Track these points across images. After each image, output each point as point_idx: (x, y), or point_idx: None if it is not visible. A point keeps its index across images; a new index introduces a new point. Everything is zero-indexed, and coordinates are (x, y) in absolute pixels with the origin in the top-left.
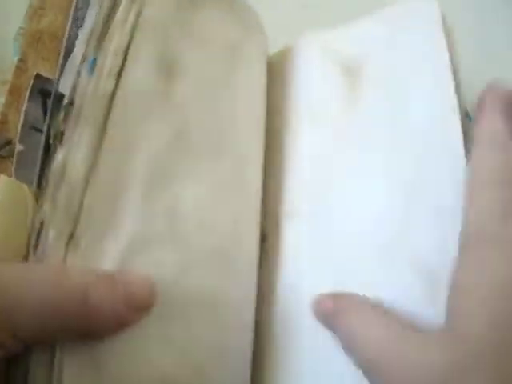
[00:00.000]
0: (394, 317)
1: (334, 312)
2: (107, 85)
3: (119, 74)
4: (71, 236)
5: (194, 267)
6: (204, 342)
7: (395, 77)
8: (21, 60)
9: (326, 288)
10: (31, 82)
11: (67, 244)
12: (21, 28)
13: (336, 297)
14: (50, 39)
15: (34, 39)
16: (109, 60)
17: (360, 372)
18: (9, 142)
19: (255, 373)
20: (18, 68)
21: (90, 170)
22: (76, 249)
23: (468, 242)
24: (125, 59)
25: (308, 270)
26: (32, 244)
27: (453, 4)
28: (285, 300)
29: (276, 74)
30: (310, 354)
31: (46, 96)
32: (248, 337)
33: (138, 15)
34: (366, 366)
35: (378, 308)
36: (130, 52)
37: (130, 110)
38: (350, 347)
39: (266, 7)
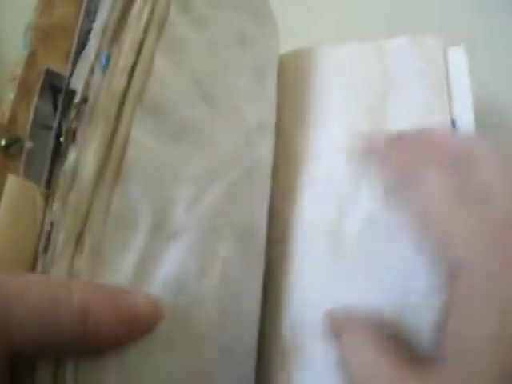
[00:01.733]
0: (394, 346)
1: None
2: (120, 82)
3: (132, 71)
4: (79, 239)
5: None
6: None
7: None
8: (31, 54)
9: None
10: (41, 77)
11: (75, 247)
12: (30, 21)
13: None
14: (60, 33)
15: (44, 33)
16: (122, 56)
17: None
18: (18, 140)
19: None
20: (27, 62)
21: (101, 170)
22: (83, 252)
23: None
24: (138, 55)
25: None
26: (42, 245)
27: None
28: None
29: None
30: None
31: (57, 92)
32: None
33: (153, 11)
34: None
35: (381, 338)
36: (144, 49)
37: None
38: (344, 372)
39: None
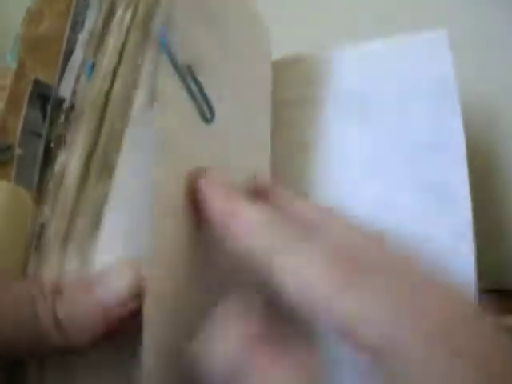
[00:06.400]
0: None
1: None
2: (103, 85)
3: (114, 75)
4: (66, 237)
5: None
6: None
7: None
8: (19, 66)
9: None
10: (30, 87)
11: (62, 244)
12: (18, 34)
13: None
14: (48, 44)
15: (32, 45)
16: (105, 61)
17: None
18: (9, 147)
19: None
20: (16, 74)
21: (85, 171)
22: (70, 248)
23: None
24: (120, 59)
25: None
26: (33, 245)
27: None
28: None
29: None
30: None
31: (45, 101)
32: None
33: (134, 17)
34: None
35: None
36: (125, 53)
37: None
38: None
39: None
